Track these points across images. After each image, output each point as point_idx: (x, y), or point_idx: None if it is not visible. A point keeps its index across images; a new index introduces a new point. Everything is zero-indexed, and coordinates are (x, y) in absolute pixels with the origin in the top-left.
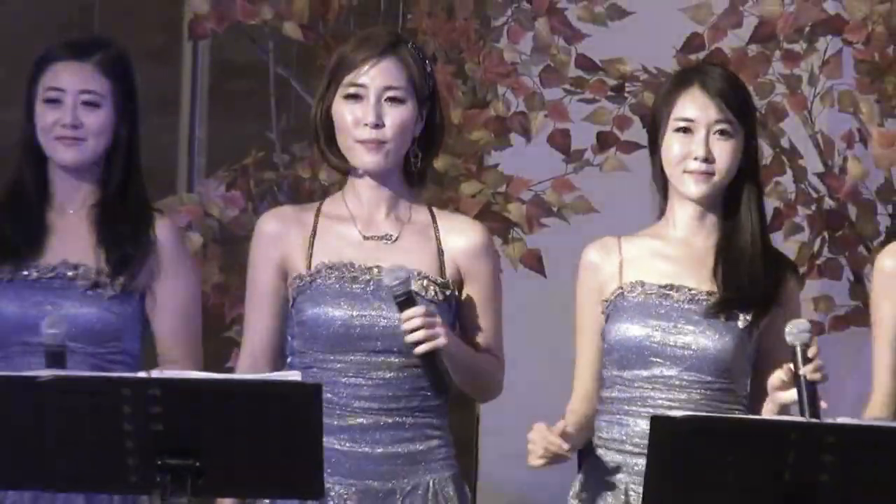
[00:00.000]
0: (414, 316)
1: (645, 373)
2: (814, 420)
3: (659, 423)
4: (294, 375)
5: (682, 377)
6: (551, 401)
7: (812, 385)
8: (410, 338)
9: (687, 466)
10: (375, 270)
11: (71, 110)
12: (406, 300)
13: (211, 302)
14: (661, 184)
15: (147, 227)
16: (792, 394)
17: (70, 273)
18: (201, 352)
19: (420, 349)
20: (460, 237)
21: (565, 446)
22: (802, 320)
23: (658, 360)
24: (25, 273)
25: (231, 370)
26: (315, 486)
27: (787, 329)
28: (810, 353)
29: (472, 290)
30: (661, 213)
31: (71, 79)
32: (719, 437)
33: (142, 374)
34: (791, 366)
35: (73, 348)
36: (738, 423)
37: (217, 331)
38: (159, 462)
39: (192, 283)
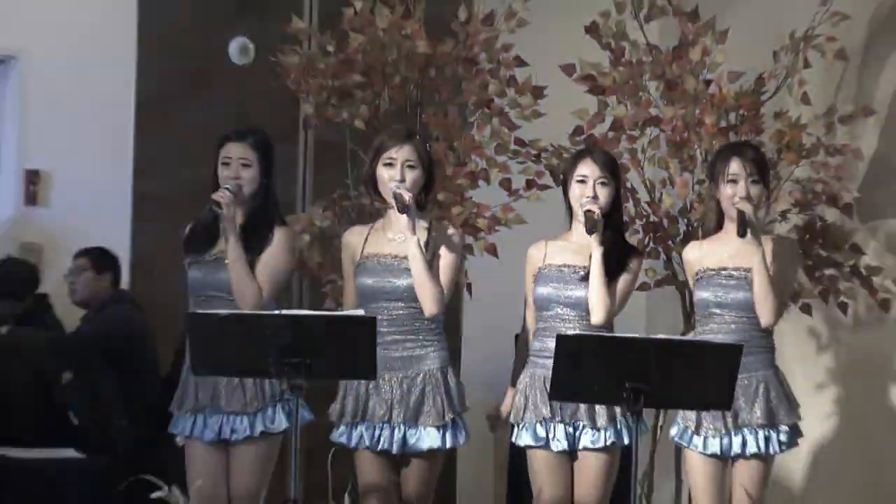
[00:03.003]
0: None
1: (549, 312)
2: (644, 336)
3: (560, 339)
4: (359, 312)
5: (570, 314)
6: (498, 323)
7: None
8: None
9: (575, 362)
10: (390, 258)
11: (235, 169)
12: (401, 203)
13: (313, 273)
14: (569, 210)
15: (269, 232)
16: None
17: (223, 256)
18: (273, 291)
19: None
20: (438, 232)
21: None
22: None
23: (555, 304)
24: (206, 257)
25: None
26: (371, 372)
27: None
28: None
29: (439, 255)
30: (569, 225)
31: (235, 151)
32: (591, 349)
33: (276, 313)
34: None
35: (228, 297)
36: (601, 339)
37: (316, 289)
38: (285, 360)
39: (274, 257)
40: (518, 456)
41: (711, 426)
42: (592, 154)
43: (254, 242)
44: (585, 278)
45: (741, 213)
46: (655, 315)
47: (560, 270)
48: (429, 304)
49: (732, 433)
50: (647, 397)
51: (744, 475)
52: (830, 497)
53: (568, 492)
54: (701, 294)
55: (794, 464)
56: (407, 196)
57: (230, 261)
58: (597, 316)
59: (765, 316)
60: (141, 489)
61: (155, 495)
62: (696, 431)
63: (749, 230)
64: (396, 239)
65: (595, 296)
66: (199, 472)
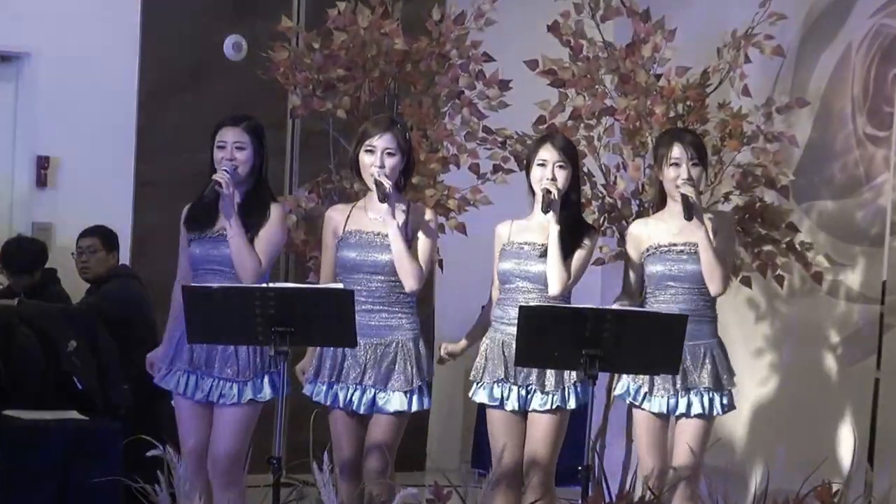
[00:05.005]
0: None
1: (511, 285)
2: (599, 307)
3: (523, 310)
4: (338, 285)
5: (528, 287)
6: (467, 293)
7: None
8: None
9: (537, 331)
10: (372, 234)
11: (230, 151)
12: (381, 192)
13: (299, 249)
14: (531, 192)
15: (266, 210)
16: None
17: (224, 233)
18: (270, 262)
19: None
20: (416, 214)
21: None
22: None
23: (517, 278)
24: (207, 234)
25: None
26: (351, 340)
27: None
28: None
29: (418, 237)
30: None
31: (230, 135)
32: (549, 317)
33: (264, 286)
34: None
35: (228, 270)
36: (559, 309)
37: (301, 264)
38: (272, 329)
39: (271, 233)
40: (484, 413)
41: (661, 387)
42: (552, 140)
43: (253, 219)
44: (544, 254)
45: (685, 197)
46: (609, 288)
47: (521, 247)
48: (409, 280)
49: (680, 394)
50: (602, 362)
51: (686, 433)
52: (767, 454)
53: (522, 450)
54: (654, 268)
55: (735, 424)
56: (387, 184)
57: (231, 236)
58: (553, 288)
59: (714, 285)
60: (139, 448)
61: (151, 454)
62: (650, 392)
63: (693, 212)
64: (378, 218)
65: (552, 270)
66: (189, 429)
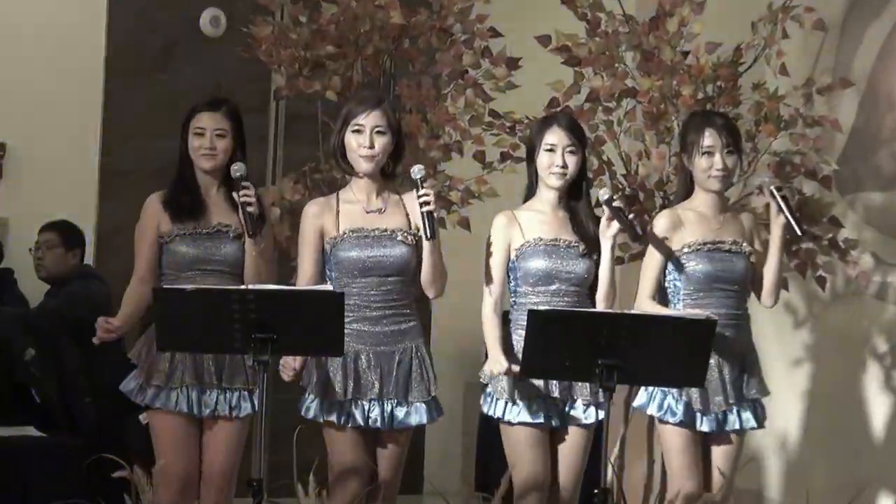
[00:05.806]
0: (429, 190)
1: (551, 287)
2: (615, 311)
3: (532, 314)
4: (328, 287)
5: (570, 289)
6: (470, 297)
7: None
8: (423, 199)
9: (547, 338)
10: (376, 231)
11: (210, 139)
12: (423, 179)
13: (283, 246)
14: (534, 179)
15: (263, 209)
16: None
17: (224, 228)
18: (274, 262)
19: (427, 209)
20: (415, 207)
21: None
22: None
23: (557, 280)
24: (198, 230)
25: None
26: (337, 348)
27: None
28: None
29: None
30: (527, 196)
31: (209, 121)
32: (563, 323)
33: (243, 287)
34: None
35: (229, 271)
36: (573, 314)
37: (285, 263)
38: (252, 335)
39: (272, 232)
40: (488, 430)
41: (714, 402)
42: (558, 121)
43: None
44: (583, 255)
45: (785, 198)
46: (629, 289)
47: (555, 245)
48: (440, 288)
49: (731, 409)
50: (620, 373)
51: (726, 452)
52: (805, 476)
53: (547, 468)
54: (698, 266)
55: (770, 442)
56: (434, 209)
57: (257, 251)
58: (608, 302)
59: (774, 296)
60: (103, 468)
61: (117, 475)
62: (704, 410)
63: (790, 211)
64: (373, 208)
65: (607, 284)
66: (180, 450)
